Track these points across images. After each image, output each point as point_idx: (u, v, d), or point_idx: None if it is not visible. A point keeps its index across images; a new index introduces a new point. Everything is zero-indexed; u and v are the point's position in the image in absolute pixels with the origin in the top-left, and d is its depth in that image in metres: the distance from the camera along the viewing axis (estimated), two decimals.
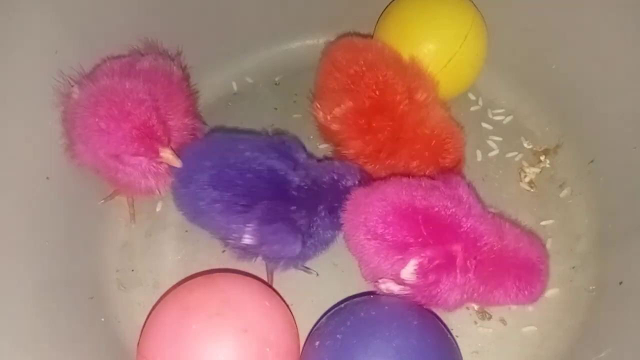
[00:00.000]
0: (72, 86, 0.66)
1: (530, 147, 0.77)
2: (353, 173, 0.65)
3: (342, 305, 0.60)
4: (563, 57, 0.73)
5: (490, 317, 0.66)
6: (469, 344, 0.64)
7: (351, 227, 0.60)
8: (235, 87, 0.84)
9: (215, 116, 0.79)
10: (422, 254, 0.56)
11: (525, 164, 0.75)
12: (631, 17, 0.65)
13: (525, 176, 0.75)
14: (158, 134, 0.62)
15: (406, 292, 0.58)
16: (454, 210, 0.57)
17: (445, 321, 0.62)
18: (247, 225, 0.61)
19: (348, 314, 0.57)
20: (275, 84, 0.84)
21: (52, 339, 0.58)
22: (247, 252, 0.64)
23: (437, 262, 0.56)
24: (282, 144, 0.66)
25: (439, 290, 0.56)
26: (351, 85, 0.67)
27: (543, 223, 0.71)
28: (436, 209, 0.57)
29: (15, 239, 0.59)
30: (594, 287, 0.66)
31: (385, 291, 0.59)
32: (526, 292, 0.59)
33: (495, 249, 0.57)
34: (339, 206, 0.62)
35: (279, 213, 0.61)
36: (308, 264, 0.68)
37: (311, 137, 0.78)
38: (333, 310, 0.61)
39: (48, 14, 0.65)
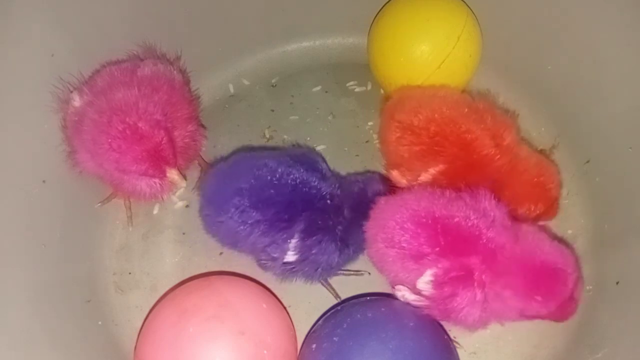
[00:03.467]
0: (71, 92, 0.66)
1: None
2: (377, 181, 0.66)
3: (339, 308, 0.60)
4: (558, 58, 0.73)
5: None
6: (467, 345, 0.64)
7: (370, 235, 0.60)
8: (232, 89, 0.84)
9: (212, 118, 0.79)
10: (439, 265, 0.54)
11: None
12: (626, 18, 0.65)
13: None
14: (168, 156, 0.62)
15: (422, 303, 0.56)
16: (475, 221, 0.55)
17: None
18: (290, 240, 0.61)
19: (344, 316, 0.57)
20: (272, 85, 0.84)
21: (49, 343, 0.58)
22: (290, 270, 0.64)
23: (452, 274, 0.54)
24: (304, 156, 0.65)
25: (455, 304, 0.54)
26: (435, 147, 0.64)
27: (540, 223, 0.71)
28: (456, 219, 0.55)
29: (12, 242, 0.59)
30: (590, 287, 0.66)
31: (401, 299, 0.58)
32: (539, 299, 0.54)
33: (512, 256, 0.54)
34: (365, 214, 0.61)
35: (319, 224, 0.61)
36: None
37: (308, 138, 0.78)
38: (330, 313, 0.61)
39: (44, 16, 0.65)
